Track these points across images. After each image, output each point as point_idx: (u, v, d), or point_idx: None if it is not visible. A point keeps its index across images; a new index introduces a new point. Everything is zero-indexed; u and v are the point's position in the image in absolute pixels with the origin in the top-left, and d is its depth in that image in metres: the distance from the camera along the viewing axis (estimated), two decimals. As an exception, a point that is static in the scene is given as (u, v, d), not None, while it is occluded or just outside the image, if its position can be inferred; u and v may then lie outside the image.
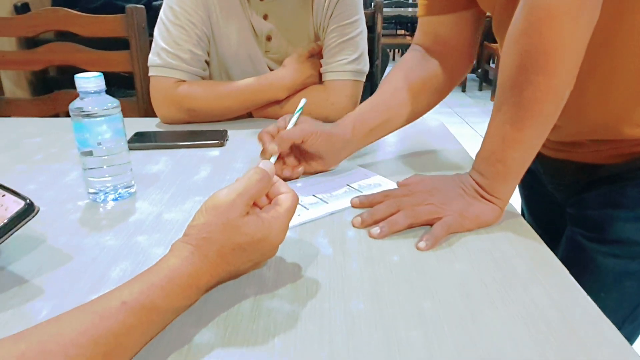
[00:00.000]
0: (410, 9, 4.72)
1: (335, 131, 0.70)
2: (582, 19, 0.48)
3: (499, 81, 0.56)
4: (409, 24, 5.42)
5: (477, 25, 0.73)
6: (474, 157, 0.61)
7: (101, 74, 0.60)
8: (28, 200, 0.44)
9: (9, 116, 1.35)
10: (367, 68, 0.98)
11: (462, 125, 3.50)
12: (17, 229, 0.44)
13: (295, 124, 0.68)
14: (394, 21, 5.20)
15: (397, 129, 0.76)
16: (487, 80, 4.79)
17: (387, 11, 4.55)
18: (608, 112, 0.62)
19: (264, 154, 0.67)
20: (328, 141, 0.69)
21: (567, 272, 0.49)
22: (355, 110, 0.74)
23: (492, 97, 4.35)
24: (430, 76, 0.75)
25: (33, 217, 0.44)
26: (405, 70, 0.76)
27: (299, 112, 0.68)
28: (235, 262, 0.43)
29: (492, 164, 0.57)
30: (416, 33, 0.79)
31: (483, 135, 0.59)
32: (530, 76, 0.51)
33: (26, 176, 0.73)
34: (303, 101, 0.69)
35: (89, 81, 0.59)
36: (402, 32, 5.61)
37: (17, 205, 0.44)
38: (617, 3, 0.51)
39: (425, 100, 0.76)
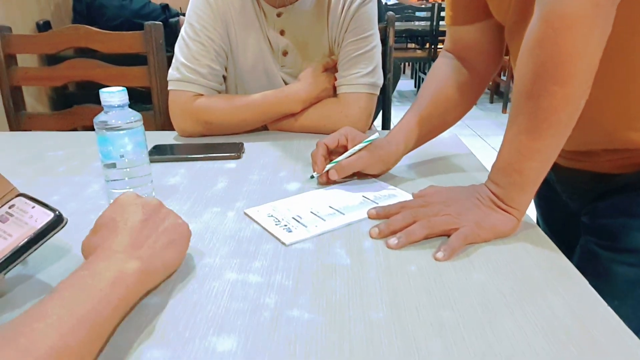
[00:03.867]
0: (421, 23, 4.75)
1: (389, 151, 0.74)
2: (596, 28, 0.49)
3: (514, 91, 0.56)
4: (419, 38, 5.45)
5: (500, 32, 0.74)
6: (487, 168, 0.61)
7: (125, 88, 0.62)
8: (57, 212, 0.46)
9: (29, 130, 1.38)
10: (381, 81, 0.99)
11: (473, 138, 3.50)
12: (47, 240, 0.45)
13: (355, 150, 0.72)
14: (404, 35, 5.23)
15: (436, 136, 0.81)
16: (498, 93, 4.78)
17: (398, 25, 4.59)
18: (620, 121, 0.62)
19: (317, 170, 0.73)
20: (382, 163, 0.75)
21: (585, 281, 0.49)
22: (404, 124, 0.77)
23: (504, 110, 4.34)
24: (463, 83, 0.78)
25: (62, 228, 0.46)
26: (441, 79, 0.79)
27: (368, 143, 0.71)
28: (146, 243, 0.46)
29: (508, 174, 0.57)
30: (445, 40, 0.83)
31: (495, 148, 0.60)
32: (546, 86, 0.51)
33: (50, 188, 0.75)
34: (376, 135, 0.71)
35: (114, 95, 0.61)
36: (413, 45, 5.64)
37: (46, 216, 0.46)
38: (629, 13, 0.51)
39: (461, 107, 0.79)
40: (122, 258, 0.43)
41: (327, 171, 0.71)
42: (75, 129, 1.46)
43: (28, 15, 1.63)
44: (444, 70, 0.80)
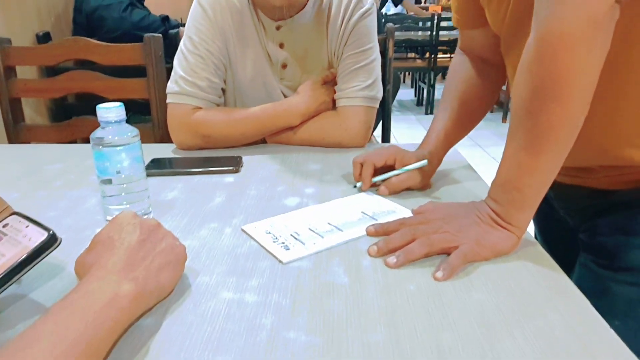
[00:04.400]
0: (420, 33, 4.77)
1: (432, 165, 0.77)
2: (595, 47, 0.49)
3: (512, 107, 0.56)
4: (419, 48, 5.47)
5: None
6: (486, 180, 0.61)
7: (122, 104, 0.62)
8: (51, 232, 0.45)
9: (28, 142, 1.38)
10: (380, 94, 0.99)
11: (473, 148, 3.50)
12: (41, 260, 0.45)
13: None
14: (404, 45, 5.25)
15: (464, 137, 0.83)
16: (497, 102, 4.79)
17: (398, 35, 4.60)
18: (616, 138, 0.62)
19: (359, 179, 0.77)
20: (427, 178, 0.77)
21: (586, 301, 0.49)
22: (441, 134, 0.79)
23: (504, 119, 4.34)
24: (483, 81, 0.80)
25: (55, 247, 0.45)
26: (464, 79, 0.80)
27: (417, 167, 0.74)
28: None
29: (507, 191, 0.57)
30: (459, 39, 0.85)
31: (494, 158, 0.60)
32: (545, 103, 0.51)
33: (46, 202, 0.74)
34: (425, 162, 0.74)
35: (110, 111, 0.60)
36: (413, 55, 5.66)
37: (40, 235, 0.45)
38: (626, 31, 0.51)
39: (485, 105, 0.81)
40: (117, 280, 0.43)
41: (375, 183, 0.76)
42: (74, 141, 1.46)
43: (28, 26, 1.64)
44: (464, 69, 0.81)
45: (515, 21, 0.65)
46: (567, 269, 0.68)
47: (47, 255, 0.45)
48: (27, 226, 0.47)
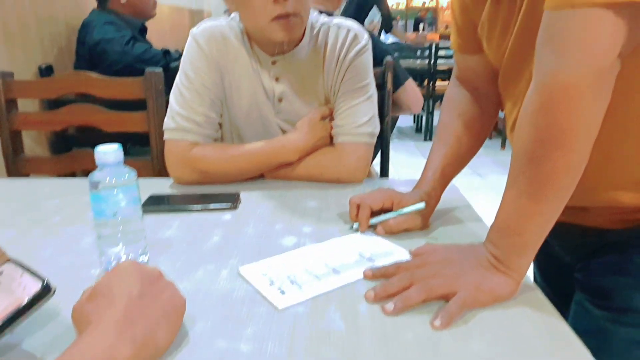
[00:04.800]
0: (418, 61, 4.85)
1: (430, 206, 0.77)
2: (598, 98, 0.50)
3: (514, 153, 0.56)
4: (418, 76, 5.54)
5: None
6: (484, 212, 0.61)
7: (120, 145, 0.62)
8: (45, 281, 0.45)
9: (27, 174, 1.38)
10: (377, 130, 1.00)
11: (472, 176, 3.50)
12: (34, 311, 0.44)
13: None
14: (402, 73, 5.34)
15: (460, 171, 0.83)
16: (496, 129, 4.83)
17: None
18: (607, 180, 0.63)
19: (355, 219, 0.77)
20: (425, 220, 0.76)
21: (586, 350, 0.48)
22: (438, 172, 0.78)
23: (502, 147, 4.37)
24: (478, 113, 0.80)
25: (49, 298, 0.45)
26: (459, 113, 0.81)
27: (414, 209, 0.74)
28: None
29: (507, 235, 0.57)
30: (454, 68, 0.85)
31: (493, 188, 0.60)
32: (548, 151, 0.52)
33: (42, 241, 0.74)
34: (423, 204, 0.74)
35: (108, 154, 0.60)
36: (411, 82, 5.75)
37: (34, 285, 0.45)
38: (623, 82, 0.52)
39: (480, 138, 0.82)
40: (114, 339, 0.41)
41: (372, 225, 0.75)
42: (73, 173, 1.46)
43: (31, 58, 1.66)
44: (459, 102, 0.81)
45: (515, 58, 0.66)
46: (565, 305, 0.68)
47: (40, 306, 0.44)
48: (21, 275, 0.47)
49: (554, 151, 0.52)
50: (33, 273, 0.46)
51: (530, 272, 0.62)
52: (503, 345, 0.49)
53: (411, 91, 1.55)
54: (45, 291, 0.44)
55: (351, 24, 1.00)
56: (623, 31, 0.47)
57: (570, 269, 0.74)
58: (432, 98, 4.62)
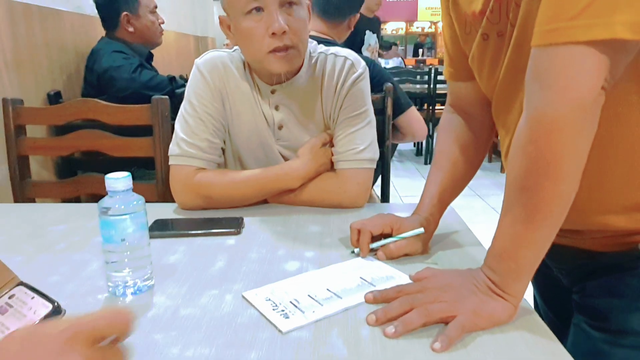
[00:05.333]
0: (418, 86, 4.92)
1: (429, 231, 0.78)
2: (583, 130, 0.52)
3: (507, 181, 0.59)
4: (418, 100, 5.61)
5: None
6: (486, 234, 0.62)
7: (129, 174, 0.64)
8: (55, 304, 0.46)
9: (33, 198, 1.40)
10: (377, 155, 1.02)
11: (473, 198, 3.52)
12: (44, 335, 0.45)
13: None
14: (402, 96, 5.41)
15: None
16: (496, 152, 4.86)
17: (396, 88, 4.73)
18: (598, 205, 0.65)
19: (356, 244, 0.78)
20: (424, 244, 0.78)
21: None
22: (435, 198, 0.81)
23: (502, 170, 4.40)
24: (473, 139, 0.82)
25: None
26: (454, 140, 0.83)
27: (413, 234, 0.76)
28: None
29: (504, 260, 0.58)
30: (448, 95, 0.88)
31: (494, 208, 0.62)
32: (539, 181, 0.54)
33: (49, 267, 0.75)
34: (421, 230, 0.76)
35: (118, 182, 0.63)
36: (411, 106, 5.82)
37: (45, 308, 0.46)
38: (609, 112, 0.54)
39: (476, 163, 0.84)
40: None
41: (373, 250, 0.77)
42: (78, 197, 1.48)
43: (41, 86, 1.70)
44: (453, 129, 0.84)
45: (505, 91, 0.69)
46: (565, 327, 0.69)
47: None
48: (32, 297, 0.48)
49: (544, 181, 0.54)
50: (44, 295, 0.48)
51: (530, 295, 0.63)
52: (502, 369, 0.50)
53: (414, 118, 1.56)
54: (56, 313, 0.46)
55: (348, 52, 1.04)
56: (605, 66, 0.50)
57: (569, 291, 0.76)
58: (432, 122, 4.67)
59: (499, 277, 0.58)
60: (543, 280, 0.87)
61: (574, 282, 0.74)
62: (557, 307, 0.82)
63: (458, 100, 0.85)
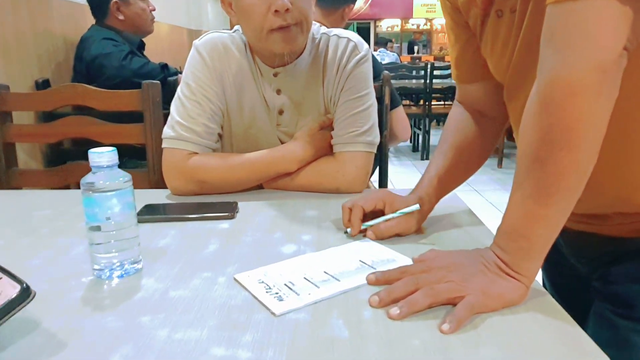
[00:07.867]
0: (414, 81, 4.89)
1: (423, 211, 0.75)
2: (603, 95, 0.48)
3: (518, 155, 0.55)
4: (414, 95, 5.59)
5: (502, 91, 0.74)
6: (486, 225, 0.59)
7: (115, 148, 0.60)
8: (24, 285, 0.42)
9: (20, 187, 1.36)
10: (377, 139, 0.98)
11: (471, 193, 3.49)
12: (12, 315, 0.41)
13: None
14: (399, 92, 5.38)
15: (458, 186, 0.82)
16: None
17: (393, 82, 4.70)
18: (629, 184, 0.60)
19: (348, 224, 0.74)
20: (417, 224, 0.75)
21: (604, 355, 0.45)
22: (435, 179, 0.77)
23: (499, 165, 4.37)
24: (479, 132, 0.79)
25: (29, 302, 0.42)
26: (460, 129, 0.80)
27: (409, 211, 0.72)
28: None
29: (514, 239, 0.55)
30: (456, 93, 0.85)
31: (493, 203, 0.58)
32: (553, 151, 0.50)
33: (31, 250, 0.71)
34: (417, 206, 0.72)
35: (102, 156, 0.59)
36: (407, 102, 5.78)
37: (13, 289, 0.42)
38: (634, 77, 0.51)
39: (481, 155, 0.81)
40: None
41: (363, 229, 0.73)
42: (67, 186, 1.43)
43: (28, 73, 1.66)
44: (460, 120, 0.81)
45: (518, 70, 0.65)
46: (579, 317, 0.65)
47: (18, 310, 0.42)
48: (0, 278, 0.44)
49: (559, 151, 0.50)
50: (13, 276, 0.43)
51: (540, 281, 0.60)
52: (514, 350, 0.46)
53: (399, 118, 1.53)
54: (24, 295, 0.42)
55: (351, 33, 1.00)
56: (627, 22, 0.46)
57: (586, 281, 0.72)
58: (429, 117, 4.64)
59: (509, 256, 0.55)
60: (556, 270, 0.83)
61: (595, 270, 0.70)
62: (571, 299, 0.78)
63: (466, 98, 0.82)
